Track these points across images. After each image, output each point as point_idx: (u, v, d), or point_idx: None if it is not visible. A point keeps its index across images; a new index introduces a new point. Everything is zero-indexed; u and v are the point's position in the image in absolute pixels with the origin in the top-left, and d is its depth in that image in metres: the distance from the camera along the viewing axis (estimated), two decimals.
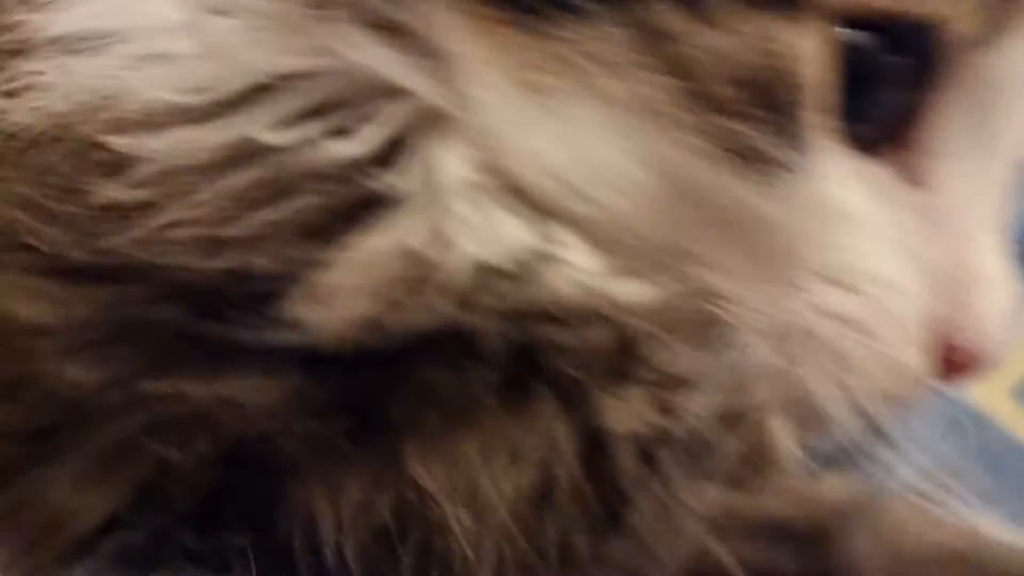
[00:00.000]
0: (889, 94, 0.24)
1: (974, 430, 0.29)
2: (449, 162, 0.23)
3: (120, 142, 0.23)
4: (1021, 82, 0.24)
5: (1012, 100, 0.24)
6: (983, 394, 0.36)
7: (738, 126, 0.22)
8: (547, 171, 0.23)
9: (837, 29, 0.22)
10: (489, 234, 0.23)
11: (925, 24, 0.23)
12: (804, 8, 0.22)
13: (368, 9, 0.22)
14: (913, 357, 0.24)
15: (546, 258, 0.23)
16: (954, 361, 0.25)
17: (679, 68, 0.22)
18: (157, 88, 0.23)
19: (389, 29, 0.23)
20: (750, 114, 0.22)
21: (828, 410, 0.24)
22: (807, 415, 0.25)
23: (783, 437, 0.25)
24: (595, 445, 0.23)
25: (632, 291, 0.23)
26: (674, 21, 0.22)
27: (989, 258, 0.25)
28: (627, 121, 0.23)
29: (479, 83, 0.23)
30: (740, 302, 0.24)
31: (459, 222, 0.23)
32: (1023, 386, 0.36)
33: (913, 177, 0.25)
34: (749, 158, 0.22)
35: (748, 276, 0.24)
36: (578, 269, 0.23)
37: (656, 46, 0.22)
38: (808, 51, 0.22)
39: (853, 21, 0.23)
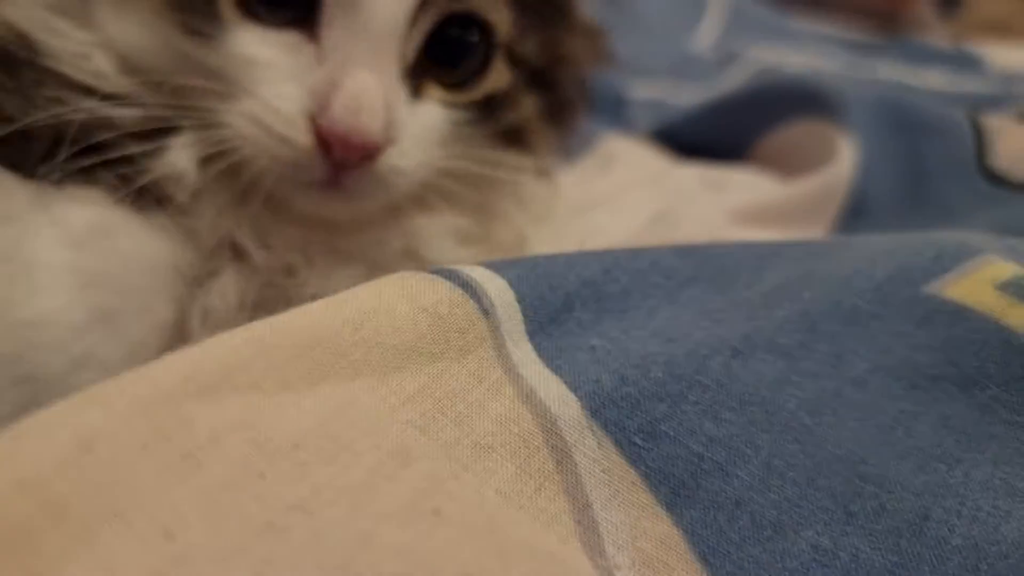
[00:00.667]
0: None
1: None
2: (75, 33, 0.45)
3: None
4: None
5: None
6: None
7: (188, 18, 0.43)
8: (127, 49, 0.45)
9: None
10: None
11: None
12: None
13: None
14: (299, 136, 0.43)
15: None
16: (327, 139, 0.42)
17: (160, 5, 0.44)
18: None
19: None
20: (193, 8, 0.43)
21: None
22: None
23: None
24: None
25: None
26: None
27: (349, 77, 0.43)
28: (149, 19, 0.44)
29: (100, 9, 0.45)
30: (209, 110, 0.44)
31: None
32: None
33: (313, 37, 0.44)
34: (196, 33, 0.43)
35: (208, 94, 0.44)
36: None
37: None
38: None
39: None
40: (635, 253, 0.41)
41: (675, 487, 0.33)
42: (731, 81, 1.03)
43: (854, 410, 0.36)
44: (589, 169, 0.79)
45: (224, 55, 0.43)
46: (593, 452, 0.33)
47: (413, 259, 0.50)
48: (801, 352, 0.37)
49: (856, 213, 0.65)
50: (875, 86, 0.71)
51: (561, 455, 0.33)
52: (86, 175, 0.42)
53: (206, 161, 0.44)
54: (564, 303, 0.38)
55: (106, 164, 0.42)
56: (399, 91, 0.46)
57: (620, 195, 0.64)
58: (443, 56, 0.48)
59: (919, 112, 0.67)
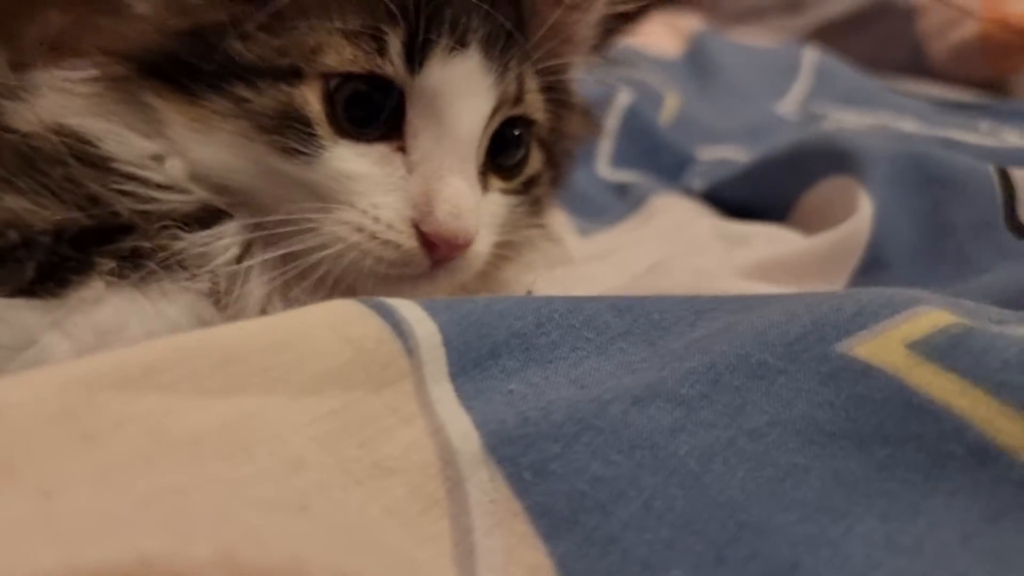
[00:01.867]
0: (381, 109, 0.49)
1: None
2: (140, 144, 0.49)
3: None
4: (443, 91, 0.49)
5: (443, 102, 0.49)
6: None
7: (281, 137, 0.47)
8: (208, 167, 0.49)
9: (330, 83, 0.48)
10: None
11: (380, 76, 0.48)
12: (304, 76, 0.47)
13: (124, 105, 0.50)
14: (406, 241, 0.48)
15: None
16: (432, 241, 0.48)
17: (252, 114, 0.47)
18: None
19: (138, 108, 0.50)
20: (286, 130, 0.47)
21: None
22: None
23: None
24: None
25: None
26: (244, 93, 0.47)
27: (446, 185, 0.48)
28: (236, 140, 0.48)
29: (173, 126, 0.49)
30: (306, 220, 0.47)
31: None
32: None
33: (403, 148, 0.49)
34: (291, 152, 0.47)
35: (308, 208, 0.47)
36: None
37: (239, 105, 0.47)
38: (308, 97, 0.47)
39: (347, 76, 0.48)
40: (573, 308, 0.43)
41: (555, 520, 0.35)
42: None
43: (745, 460, 0.36)
44: (632, 225, 0.82)
45: (321, 171, 0.47)
46: (484, 484, 0.36)
47: None
48: (701, 402, 0.38)
49: (874, 267, 0.64)
50: (905, 142, 0.70)
51: (453, 484, 0.36)
52: (85, 267, 0.45)
53: (279, 260, 0.48)
54: (491, 350, 0.41)
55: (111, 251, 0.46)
56: (478, 190, 0.52)
57: (629, 246, 0.66)
58: (498, 151, 0.54)
59: (943, 166, 0.65)
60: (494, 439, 0.37)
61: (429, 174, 0.48)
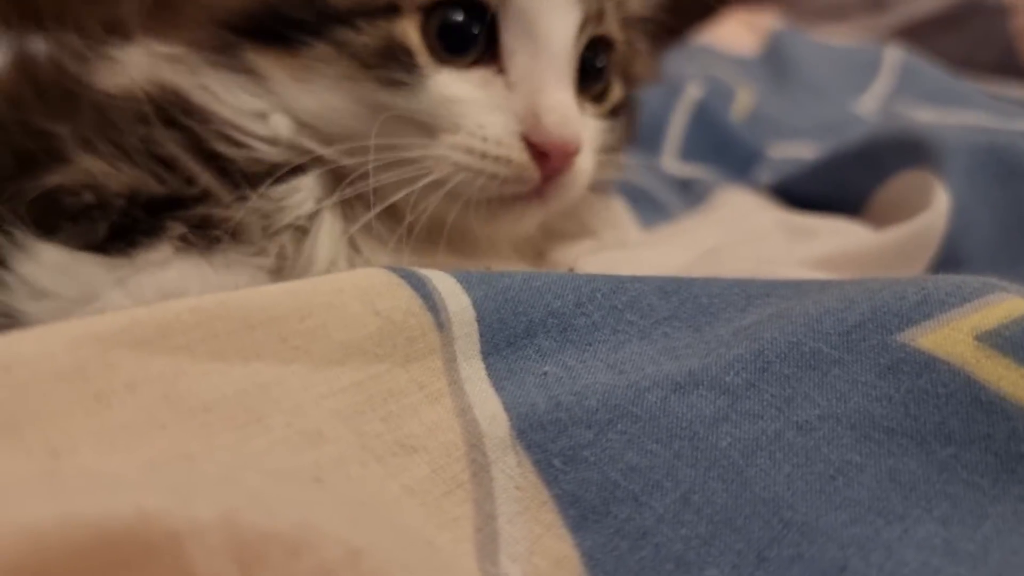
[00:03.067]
0: (475, 35, 0.49)
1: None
2: (248, 101, 0.49)
3: None
4: (533, 8, 0.49)
5: (534, 19, 0.49)
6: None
7: (385, 71, 0.48)
8: (312, 114, 0.49)
9: (424, 14, 0.48)
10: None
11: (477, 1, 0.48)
12: (401, 10, 0.48)
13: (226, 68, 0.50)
14: (517, 155, 0.48)
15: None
16: (543, 151, 0.48)
17: (354, 55, 0.48)
18: None
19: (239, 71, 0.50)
20: (389, 63, 0.48)
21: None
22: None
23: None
24: None
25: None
26: (344, 36, 0.48)
27: (548, 96, 0.48)
28: (339, 84, 0.48)
29: (276, 81, 0.49)
30: (417, 149, 0.48)
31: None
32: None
33: (502, 69, 0.49)
34: (396, 84, 0.48)
35: (417, 136, 0.48)
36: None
37: (341, 49, 0.48)
38: (407, 29, 0.48)
39: (439, 4, 0.48)
40: (617, 288, 0.41)
41: (584, 511, 0.32)
42: None
43: (793, 455, 0.33)
44: (695, 218, 0.78)
45: (426, 99, 0.48)
46: (511, 470, 0.33)
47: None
48: (747, 392, 0.35)
49: (950, 263, 0.59)
50: (986, 134, 0.64)
51: (479, 468, 0.33)
52: (155, 230, 0.46)
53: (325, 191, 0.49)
54: (526, 329, 0.38)
55: (178, 218, 0.47)
56: (578, 105, 0.51)
57: (687, 232, 0.62)
58: (587, 75, 0.54)
59: None
60: (523, 423, 0.34)
61: (530, 89, 0.48)
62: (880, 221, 0.71)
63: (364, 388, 0.34)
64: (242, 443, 0.30)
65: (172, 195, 0.48)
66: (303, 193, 0.49)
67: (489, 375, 0.37)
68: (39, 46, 0.64)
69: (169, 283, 0.45)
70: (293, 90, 0.49)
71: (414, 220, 0.49)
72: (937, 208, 0.60)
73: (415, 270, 0.39)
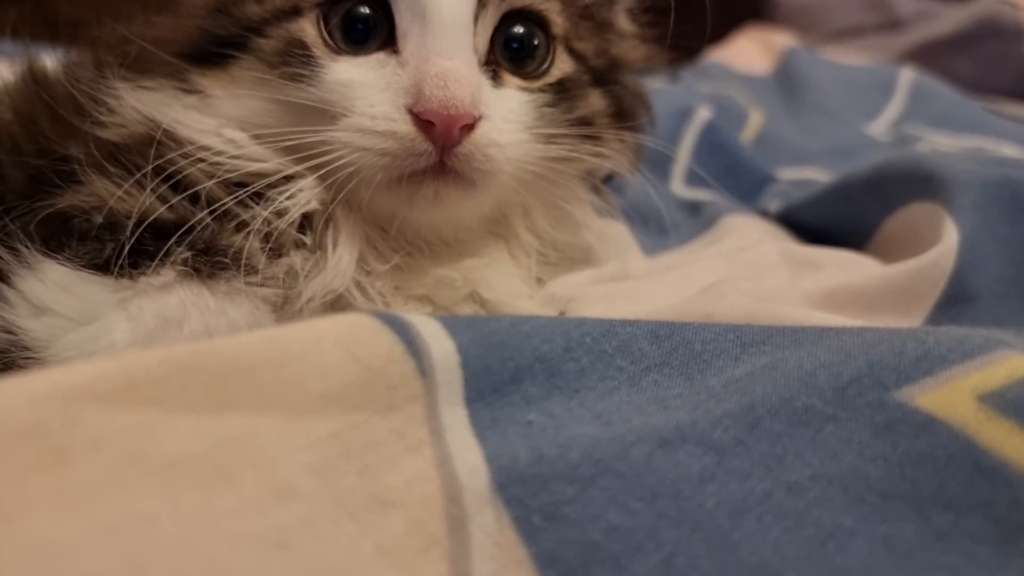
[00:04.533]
0: (375, 24, 0.50)
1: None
2: (203, 120, 0.51)
3: None
4: None
5: (425, 3, 0.48)
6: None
7: (286, 67, 0.50)
8: (237, 117, 0.51)
9: (321, 9, 0.51)
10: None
11: None
12: (301, 11, 0.51)
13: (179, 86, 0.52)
14: (402, 127, 0.47)
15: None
16: (427, 119, 0.47)
17: (264, 59, 0.51)
18: None
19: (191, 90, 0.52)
20: (289, 60, 0.50)
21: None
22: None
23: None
24: None
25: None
26: (258, 43, 0.51)
27: (432, 65, 0.47)
28: (255, 84, 0.51)
29: (216, 97, 0.52)
30: (316, 139, 0.48)
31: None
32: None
33: (394, 52, 0.50)
34: (296, 78, 0.50)
35: (321, 125, 0.49)
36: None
37: (257, 56, 0.51)
38: (304, 26, 0.50)
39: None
40: (607, 331, 0.39)
41: (563, 572, 0.31)
42: None
43: (783, 518, 0.31)
44: (699, 246, 0.76)
45: (323, 88, 0.49)
46: (489, 525, 0.32)
47: (474, 299, 0.53)
48: (735, 449, 0.33)
49: (958, 301, 0.56)
50: (999, 166, 0.62)
51: (456, 523, 0.32)
52: (160, 255, 0.46)
53: (329, 199, 0.50)
54: (513, 375, 0.37)
55: (181, 241, 0.47)
56: (479, 75, 0.50)
57: (687, 265, 0.60)
58: (513, 52, 0.53)
59: None
60: (504, 476, 0.33)
61: (418, 62, 0.48)
62: (888, 252, 0.69)
63: (341, 439, 0.32)
64: (208, 503, 0.28)
65: (179, 219, 0.48)
66: (304, 193, 0.50)
67: (472, 423, 0.35)
68: (51, 62, 0.64)
69: (169, 309, 0.45)
70: (227, 102, 0.51)
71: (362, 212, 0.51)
72: (946, 243, 0.58)
73: (399, 315, 0.37)
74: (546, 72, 0.54)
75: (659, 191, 0.81)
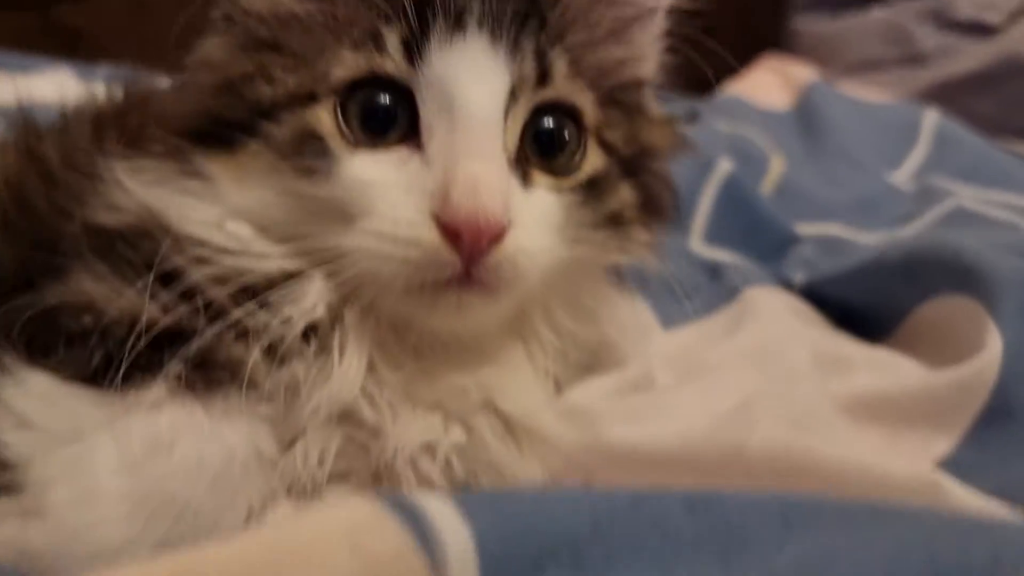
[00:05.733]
0: (395, 114, 0.46)
1: None
2: (205, 210, 0.47)
3: None
4: (448, 78, 0.45)
5: (450, 90, 0.45)
6: None
7: (300, 158, 0.46)
8: (243, 209, 0.47)
9: (339, 97, 0.46)
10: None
11: (386, 77, 0.46)
12: (317, 98, 0.46)
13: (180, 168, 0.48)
14: (426, 234, 0.43)
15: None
16: (453, 229, 0.42)
17: (275, 148, 0.46)
18: None
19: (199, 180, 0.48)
20: (303, 151, 0.45)
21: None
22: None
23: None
24: None
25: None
26: (269, 130, 0.46)
27: (460, 169, 0.43)
28: (266, 175, 0.46)
29: (220, 183, 0.47)
30: (330, 242, 0.45)
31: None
32: None
33: (418, 148, 0.45)
34: (311, 171, 0.45)
35: (337, 225, 0.45)
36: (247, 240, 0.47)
37: (266, 142, 0.46)
38: (320, 115, 0.46)
39: (355, 84, 0.46)
40: (638, 502, 0.35)
41: None
42: (919, 227, 0.90)
43: None
44: (722, 322, 0.72)
45: (339, 185, 0.45)
46: None
47: (490, 409, 0.49)
48: None
49: (999, 416, 0.52)
50: None
51: None
52: (152, 365, 0.42)
53: (338, 302, 0.46)
54: (534, 562, 0.33)
55: (176, 352, 0.43)
56: (509, 177, 0.46)
57: (718, 370, 0.57)
58: (544, 147, 0.49)
59: None
60: None
61: (444, 164, 0.44)
62: (919, 342, 0.65)
63: None
64: None
65: (173, 326, 0.44)
66: (311, 297, 0.46)
67: None
68: (46, 138, 0.61)
69: (158, 432, 0.41)
70: (233, 191, 0.47)
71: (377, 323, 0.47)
72: (990, 352, 0.54)
73: (411, 500, 0.33)
74: (577, 168, 0.50)
75: (678, 259, 0.77)
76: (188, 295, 0.45)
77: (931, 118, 1.21)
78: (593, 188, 0.50)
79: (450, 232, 0.42)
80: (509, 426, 0.48)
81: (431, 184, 0.43)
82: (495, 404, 0.49)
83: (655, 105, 0.57)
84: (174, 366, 0.42)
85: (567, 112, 0.50)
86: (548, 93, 0.48)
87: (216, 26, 0.50)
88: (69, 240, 0.48)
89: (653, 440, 0.47)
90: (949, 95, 1.37)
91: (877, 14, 1.53)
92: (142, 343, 0.43)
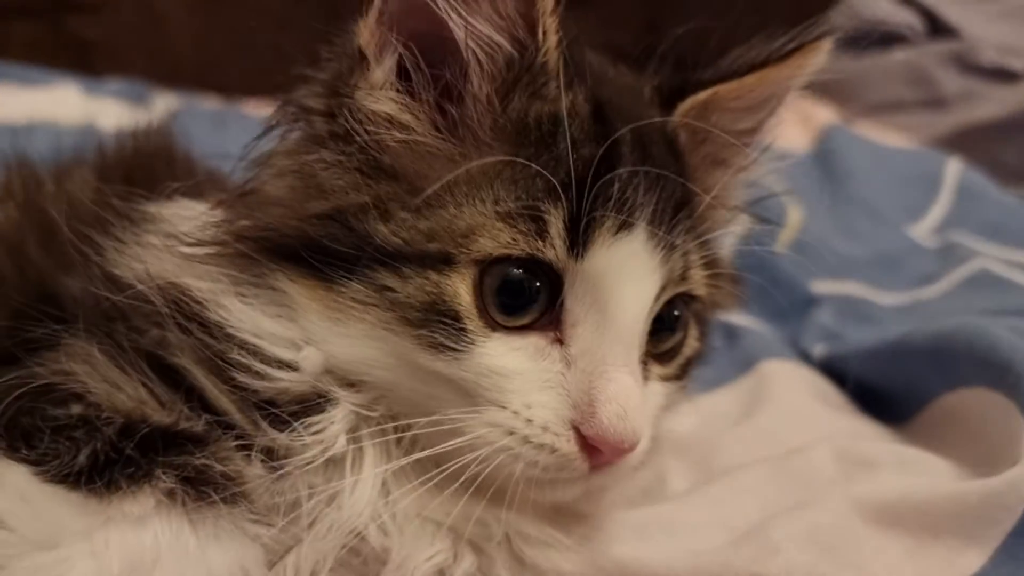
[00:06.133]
0: (536, 295, 0.41)
1: None
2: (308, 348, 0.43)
3: None
4: (607, 275, 0.41)
5: (606, 287, 0.41)
6: None
7: (428, 332, 0.40)
8: (344, 360, 0.42)
9: (478, 271, 0.41)
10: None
11: (541, 260, 0.41)
12: (454, 262, 0.41)
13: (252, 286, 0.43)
14: (564, 445, 0.40)
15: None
16: (594, 445, 0.40)
17: (395, 305, 0.41)
18: None
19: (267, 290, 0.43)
20: (434, 324, 0.40)
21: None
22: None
23: None
24: None
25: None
26: (387, 280, 0.41)
27: (610, 382, 0.41)
28: (376, 333, 0.41)
29: (307, 314, 0.42)
30: (457, 420, 0.41)
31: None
32: None
33: (560, 339, 0.42)
34: (439, 348, 0.41)
35: (455, 407, 0.41)
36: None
37: (382, 294, 0.41)
38: (459, 288, 0.41)
39: (498, 261, 0.41)
40: None
41: None
42: (942, 289, 0.87)
43: None
44: (738, 397, 0.69)
45: (471, 368, 0.41)
46: None
47: (506, 543, 0.46)
48: None
49: None
50: None
51: None
52: (142, 469, 0.39)
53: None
54: None
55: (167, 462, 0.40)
56: (644, 386, 0.44)
57: (734, 474, 0.53)
58: (655, 332, 0.46)
59: None
60: None
61: (591, 369, 0.41)
62: (944, 432, 0.62)
63: None
64: None
65: (171, 428, 0.41)
66: (336, 426, 0.42)
67: None
68: (45, 185, 0.58)
69: (139, 549, 0.38)
70: (324, 330, 0.42)
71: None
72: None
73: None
74: (680, 351, 0.48)
75: None
76: (189, 393, 0.42)
77: (954, 168, 1.17)
78: (685, 368, 0.49)
79: (589, 447, 0.41)
80: (521, 558, 0.45)
81: (574, 388, 0.41)
82: (516, 544, 0.46)
83: (725, 255, 0.56)
84: (165, 480, 0.39)
85: (687, 302, 0.47)
86: (683, 287, 0.46)
87: (318, 138, 0.44)
88: (69, 301, 0.46)
89: (662, 562, 0.44)
90: (971, 141, 1.34)
91: (899, 56, 1.49)
92: (133, 448, 0.40)
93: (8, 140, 0.63)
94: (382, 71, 0.43)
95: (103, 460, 0.39)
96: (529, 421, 0.40)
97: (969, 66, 1.42)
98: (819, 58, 0.50)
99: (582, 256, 0.41)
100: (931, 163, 1.20)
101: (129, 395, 0.41)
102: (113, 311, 0.43)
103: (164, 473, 0.39)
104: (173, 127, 0.69)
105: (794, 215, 1.05)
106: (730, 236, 0.56)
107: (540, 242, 0.41)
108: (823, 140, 1.33)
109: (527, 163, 0.41)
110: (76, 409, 0.40)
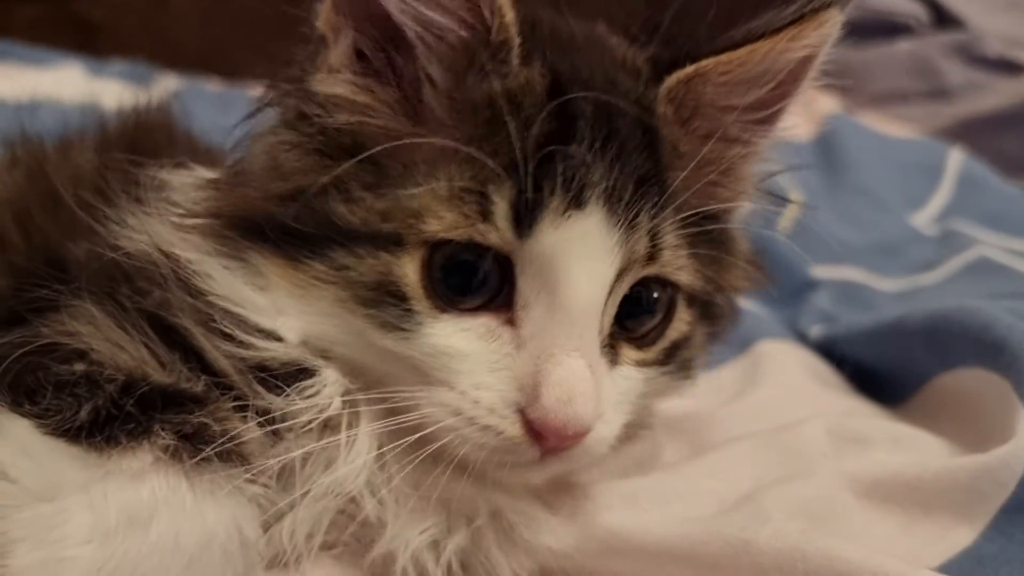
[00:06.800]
0: (486, 276, 0.41)
1: None
2: (256, 298, 0.43)
3: None
4: (557, 256, 0.40)
5: (556, 269, 0.40)
6: None
7: (378, 311, 0.41)
8: (308, 332, 0.43)
9: (427, 252, 0.41)
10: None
11: (475, 241, 0.40)
12: (404, 246, 0.41)
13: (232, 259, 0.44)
14: (509, 427, 0.40)
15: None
16: (538, 430, 0.39)
17: (351, 283, 0.41)
18: None
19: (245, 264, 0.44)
20: (383, 303, 0.41)
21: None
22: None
23: None
24: None
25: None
26: (344, 259, 0.41)
27: (557, 365, 0.40)
28: (334, 310, 0.42)
29: (278, 289, 0.43)
30: (409, 398, 0.41)
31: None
32: None
33: (512, 320, 0.41)
34: (388, 327, 0.41)
35: (411, 384, 0.41)
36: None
37: (340, 273, 0.42)
38: (407, 268, 0.41)
39: (448, 242, 0.40)
40: None
41: None
42: (941, 275, 0.87)
43: None
44: (734, 376, 0.69)
45: (418, 348, 0.41)
46: None
47: (497, 517, 0.46)
48: None
49: (1021, 511, 0.49)
50: None
51: None
52: (141, 426, 0.39)
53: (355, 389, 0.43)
54: None
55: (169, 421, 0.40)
56: (602, 366, 0.42)
57: (728, 447, 0.53)
58: (630, 314, 0.44)
59: None
60: None
61: (539, 352, 0.40)
62: (939, 411, 0.61)
63: None
64: None
65: (171, 387, 0.41)
66: (329, 389, 0.43)
67: None
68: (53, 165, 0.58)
69: (136, 504, 0.38)
70: (291, 306, 0.43)
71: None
72: (1018, 441, 0.50)
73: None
74: (664, 334, 0.46)
75: None
76: (189, 354, 0.42)
77: (956, 158, 1.17)
78: (673, 350, 0.47)
79: (534, 431, 0.40)
80: (511, 534, 0.45)
81: (521, 372, 0.40)
82: (500, 516, 0.46)
83: (745, 241, 0.53)
84: (164, 437, 0.39)
85: (664, 284, 0.45)
86: (653, 269, 0.44)
87: (287, 120, 0.44)
88: (73, 265, 0.46)
89: (651, 530, 0.44)
90: (974, 132, 1.33)
91: (903, 46, 1.48)
92: (134, 406, 0.40)
93: (13, 117, 0.64)
94: (336, 54, 0.43)
95: (104, 416, 0.39)
96: (476, 402, 0.40)
97: (974, 57, 1.41)
98: (821, 31, 0.45)
99: (528, 237, 0.40)
100: (933, 153, 1.20)
101: (131, 355, 0.41)
102: (117, 273, 0.44)
103: (163, 430, 0.39)
104: (174, 106, 0.69)
105: (793, 200, 1.04)
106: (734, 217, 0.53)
107: (483, 224, 0.40)
108: (826, 130, 1.32)
109: (464, 148, 0.40)
110: (79, 367, 0.41)
